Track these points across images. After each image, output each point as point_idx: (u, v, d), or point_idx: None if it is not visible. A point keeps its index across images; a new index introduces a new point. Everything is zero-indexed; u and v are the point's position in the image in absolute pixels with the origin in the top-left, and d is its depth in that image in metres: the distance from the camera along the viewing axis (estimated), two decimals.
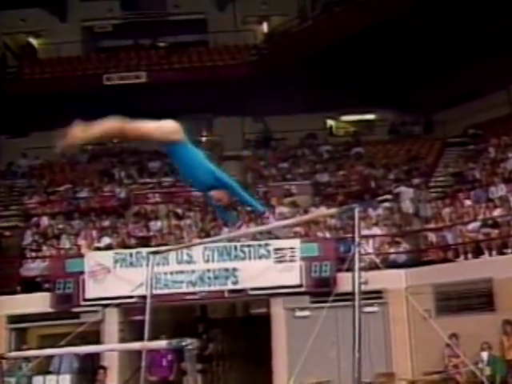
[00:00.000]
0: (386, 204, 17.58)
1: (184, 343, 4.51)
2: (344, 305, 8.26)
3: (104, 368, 12.75)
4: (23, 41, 26.24)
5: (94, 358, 13.87)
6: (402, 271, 14.84)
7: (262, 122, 24.05)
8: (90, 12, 25.37)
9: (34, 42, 26.29)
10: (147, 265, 8.65)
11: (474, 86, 20.96)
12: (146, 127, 5.42)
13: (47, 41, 25.67)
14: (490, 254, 14.38)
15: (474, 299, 14.22)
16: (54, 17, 25.63)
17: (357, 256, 5.97)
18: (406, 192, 17.74)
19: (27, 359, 11.61)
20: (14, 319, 15.06)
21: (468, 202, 16.21)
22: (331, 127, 25.60)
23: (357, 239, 6.00)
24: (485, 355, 13.25)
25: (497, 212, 15.06)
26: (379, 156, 21.30)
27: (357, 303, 5.84)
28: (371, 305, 14.08)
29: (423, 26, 19.62)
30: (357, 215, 6.05)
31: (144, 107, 22.93)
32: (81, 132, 5.14)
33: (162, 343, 5.19)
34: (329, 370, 13.72)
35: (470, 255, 14.72)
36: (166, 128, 5.47)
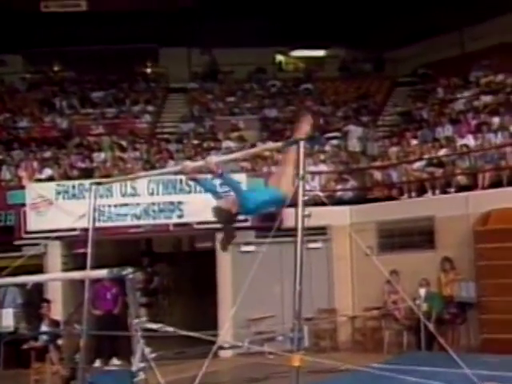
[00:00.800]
0: (334, 141, 17.58)
1: (125, 272, 4.39)
2: (288, 240, 8.20)
3: (48, 301, 12.58)
4: None
5: (38, 292, 13.65)
6: (346, 208, 14.95)
7: (208, 54, 23.53)
8: None
9: None
10: (90, 196, 8.40)
11: (427, 25, 20.84)
12: None
13: None
14: (434, 193, 14.57)
15: (416, 237, 14.47)
16: None
17: (301, 190, 5.85)
18: (355, 130, 17.77)
19: None
20: None
21: (414, 142, 16.34)
22: (281, 62, 25.27)
23: (301, 172, 5.87)
24: (422, 291, 13.55)
25: (442, 152, 15.21)
26: (329, 93, 21.19)
27: (299, 238, 5.77)
28: (315, 241, 14.20)
29: None
30: (302, 149, 5.91)
31: (86, 35, 22.35)
32: None
33: (103, 272, 5.07)
34: (273, 305, 13.85)
35: (413, 194, 14.89)
36: None
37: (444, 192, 14.41)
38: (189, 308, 16.55)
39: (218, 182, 6.24)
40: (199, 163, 6.46)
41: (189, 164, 6.64)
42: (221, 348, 8.04)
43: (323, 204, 12.88)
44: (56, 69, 24.81)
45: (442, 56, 20.50)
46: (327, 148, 17.23)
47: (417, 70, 21.40)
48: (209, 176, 6.09)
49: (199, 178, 6.62)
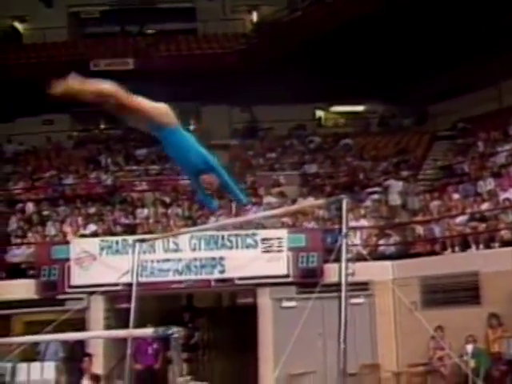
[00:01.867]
0: (375, 196, 17.57)
1: (170, 331, 4.43)
2: (330, 296, 8.19)
3: (89, 355, 12.64)
4: (8, 25, 25.90)
5: (80, 345, 13.74)
6: (388, 263, 14.84)
7: (249, 111, 23.94)
8: None
9: (19, 26, 25.96)
10: (133, 252, 8.54)
11: (466, 80, 20.97)
12: (143, 102, 5.33)
13: (32, 26, 25.38)
14: (477, 248, 14.38)
15: (460, 292, 14.24)
16: (40, 2, 25.31)
17: (344, 246, 5.90)
18: (395, 185, 17.74)
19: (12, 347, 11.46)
20: None
21: (456, 196, 16.21)
22: (320, 118, 25.54)
23: (344, 229, 5.93)
24: (470, 348, 13.25)
25: (485, 206, 15.07)
26: (368, 148, 21.27)
27: (343, 294, 5.78)
28: (358, 296, 14.07)
29: (417, 18, 19.54)
30: (345, 206, 5.99)
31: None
32: (77, 83, 5.06)
33: (148, 331, 5.13)
34: (315, 360, 13.71)
35: (456, 248, 14.71)
36: (163, 109, 5.39)
37: (488, 247, 14.22)
38: (229, 364, 16.42)
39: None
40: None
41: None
42: None
43: (365, 259, 12.94)
44: (102, 127, 25.52)
45: (481, 110, 20.53)
46: (368, 203, 17.21)
47: (456, 124, 21.40)
48: None
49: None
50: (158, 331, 4.52)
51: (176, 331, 4.43)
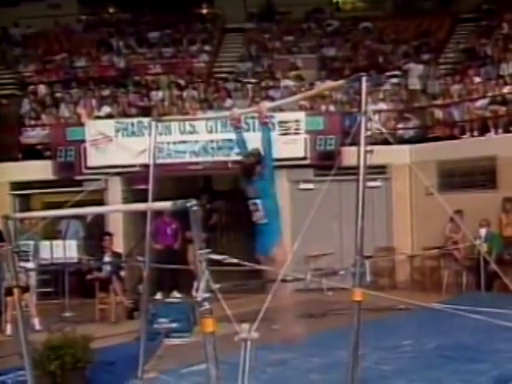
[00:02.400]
0: (394, 80, 17.21)
1: (189, 204, 4.38)
2: (348, 179, 8.12)
3: (110, 234, 12.82)
4: None
5: (99, 225, 13.93)
6: (406, 147, 14.70)
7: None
8: None
9: None
10: (149, 134, 8.44)
11: None
12: None
13: None
14: (496, 132, 14.21)
15: (477, 176, 14.22)
16: None
17: (363, 126, 5.73)
18: (415, 68, 17.33)
19: (34, 224, 11.63)
20: (17, 186, 15.02)
21: (477, 79, 15.84)
22: (338, 1, 24.70)
23: (363, 108, 5.74)
24: (483, 232, 13.37)
25: (506, 89, 14.72)
26: (388, 31, 20.61)
27: (361, 175, 5.66)
28: (375, 179, 14.03)
29: None
30: (364, 85, 5.77)
31: None
32: None
33: (166, 204, 5.08)
34: (331, 242, 13.86)
35: (475, 132, 14.54)
36: None
37: (507, 131, 14.04)
38: (246, 245, 16.57)
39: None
40: (249, 109, 6.59)
41: (236, 111, 7.02)
42: (283, 281, 8.09)
43: (383, 143, 12.79)
44: (111, 11, 24.84)
45: None
46: (387, 86, 16.87)
47: (480, 5, 20.64)
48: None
49: (241, 127, 6.98)
50: (177, 204, 4.46)
51: (195, 203, 4.37)
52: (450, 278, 13.72)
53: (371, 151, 5.86)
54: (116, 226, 13.87)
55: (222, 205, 17.30)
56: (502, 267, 12.49)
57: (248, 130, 14.28)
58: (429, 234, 14.17)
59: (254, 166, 6.57)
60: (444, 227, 13.72)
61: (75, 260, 12.42)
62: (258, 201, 6.64)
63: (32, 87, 18.57)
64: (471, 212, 13.28)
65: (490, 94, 14.85)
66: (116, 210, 12.40)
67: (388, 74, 17.54)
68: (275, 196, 6.63)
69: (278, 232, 6.52)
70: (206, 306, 4.31)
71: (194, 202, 4.54)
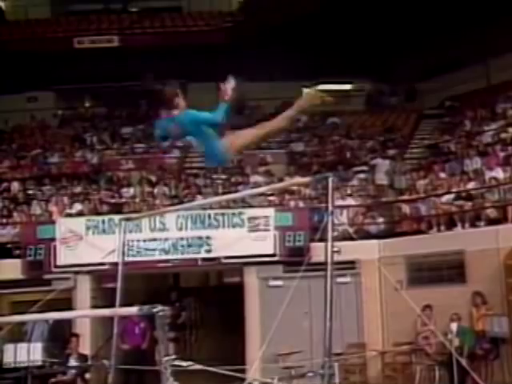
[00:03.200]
0: (361, 175, 17.57)
1: (155, 310, 4.42)
2: (317, 275, 8.21)
3: (76, 335, 12.63)
4: None
5: (66, 326, 13.72)
6: (375, 242, 14.87)
7: (236, 88, 23.75)
8: None
9: (1, 3, 25.56)
10: (119, 231, 8.51)
11: (452, 58, 20.94)
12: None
13: (15, 3, 24.99)
14: (463, 227, 14.43)
15: (446, 271, 14.31)
16: None
17: (330, 225, 5.89)
18: (382, 164, 17.75)
19: None
20: None
21: (443, 175, 16.26)
22: None
23: (330, 208, 5.92)
24: (454, 326, 13.33)
25: (471, 185, 15.10)
26: (355, 126, 21.24)
27: (329, 272, 5.79)
28: (344, 275, 14.11)
29: None
30: (331, 184, 5.99)
31: (117, 71, 22.77)
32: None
33: (132, 309, 5.11)
34: (301, 340, 13.74)
35: (442, 227, 14.76)
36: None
37: (474, 225, 14.26)
38: (216, 343, 16.48)
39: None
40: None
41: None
42: None
43: (352, 238, 12.97)
44: (87, 105, 25.31)
45: (469, 88, 20.50)
46: (354, 182, 17.22)
47: (443, 102, 21.39)
48: None
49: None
50: (143, 309, 4.50)
51: (161, 309, 4.41)
52: (423, 374, 13.57)
53: (338, 251, 5.98)
54: (83, 326, 13.66)
55: (191, 301, 17.21)
56: (475, 362, 12.58)
57: (218, 227, 14.54)
58: (400, 329, 14.12)
59: (174, 97, 5.85)
60: (415, 322, 13.72)
61: (39, 363, 12.16)
62: (187, 137, 5.90)
63: (5, 184, 18.60)
64: (441, 306, 13.34)
65: (455, 190, 15.18)
66: (83, 315, 12.26)
67: (355, 169, 17.91)
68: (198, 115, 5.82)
69: (215, 138, 5.84)
70: None
71: (159, 307, 4.58)
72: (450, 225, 14.67)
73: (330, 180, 5.99)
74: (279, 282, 14.26)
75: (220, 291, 16.47)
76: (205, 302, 16.96)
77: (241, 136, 6.06)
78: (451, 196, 15.06)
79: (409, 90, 23.12)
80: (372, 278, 14.58)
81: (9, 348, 11.99)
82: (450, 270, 14.23)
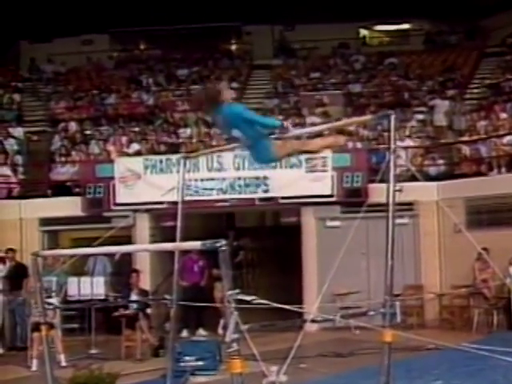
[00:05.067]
0: (420, 116, 17.23)
1: (218, 244, 4.43)
2: (375, 216, 8.14)
3: (137, 271, 12.89)
4: None
5: (127, 262, 14.02)
6: (434, 184, 14.60)
7: (292, 30, 23.44)
8: None
9: None
10: (178, 171, 8.51)
11: None
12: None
13: None
14: None
15: (506, 213, 14.05)
16: None
17: (392, 163, 5.76)
18: (441, 105, 17.34)
19: (62, 261, 11.79)
20: (46, 222, 15.16)
21: (504, 115, 15.78)
22: (364, 37, 24.91)
23: (393, 146, 5.78)
24: None
25: None
26: (414, 67, 20.73)
27: (391, 211, 5.70)
28: (402, 217, 13.91)
29: None
30: (393, 122, 5.83)
31: (172, 13, 22.61)
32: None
33: (196, 244, 5.14)
34: (359, 280, 13.79)
35: (503, 169, 14.46)
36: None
37: None
38: (273, 282, 16.63)
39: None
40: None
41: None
42: (313, 321, 8.05)
43: (411, 179, 12.77)
44: (142, 47, 25.32)
45: None
46: (413, 123, 16.89)
47: (505, 39, 20.64)
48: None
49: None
50: (206, 244, 4.51)
51: (224, 244, 4.43)
52: (481, 318, 13.49)
53: (400, 190, 5.89)
54: (143, 263, 13.94)
55: (248, 242, 17.32)
56: None
57: (275, 167, 14.48)
58: (457, 272, 14.01)
59: (219, 93, 5.94)
60: (473, 265, 13.57)
61: (102, 297, 12.49)
62: (234, 130, 5.93)
63: (63, 124, 18.88)
64: (500, 250, 13.09)
65: None
66: (144, 249, 12.46)
67: (414, 110, 17.55)
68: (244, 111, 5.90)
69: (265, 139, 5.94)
70: (235, 347, 4.34)
71: (223, 242, 4.60)
72: (511, 167, 14.33)
73: (392, 118, 5.84)
74: (337, 223, 14.23)
75: (277, 231, 16.51)
76: (262, 242, 17.06)
77: (288, 144, 6.12)
78: None
79: (469, 28, 22.40)
80: (430, 220, 14.44)
81: (73, 281, 12.33)
82: (509, 213, 13.97)
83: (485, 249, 12.81)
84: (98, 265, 14.54)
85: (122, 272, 14.01)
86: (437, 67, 20.43)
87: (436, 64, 20.78)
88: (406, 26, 24.53)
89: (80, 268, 14.26)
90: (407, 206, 14.00)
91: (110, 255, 14.93)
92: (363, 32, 24.82)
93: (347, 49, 22.92)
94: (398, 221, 13.03)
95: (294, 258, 14.76)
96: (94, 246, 8.15)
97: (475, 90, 19.06)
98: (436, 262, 14.63)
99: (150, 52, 24.69)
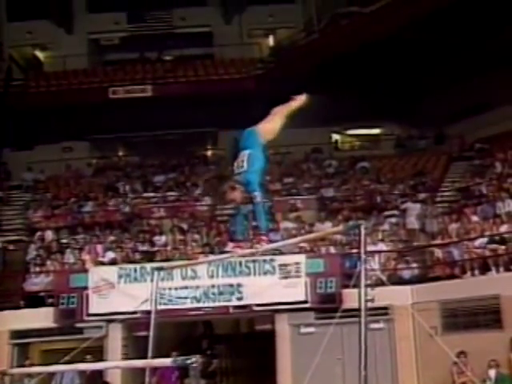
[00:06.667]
0: (392, 219, 17.46)
1: (189, 361, 4.42)
2: (350, 321, 8.16)
3: None
4: (29, 54, 26.36)
5: (98, 374, 13.73)
6: (408, 287, 14.70)
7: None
8: (96, 25, 25.55)
9: (40, 54, 26.41)
10: (152, 280, 8.57)
11: (483, 99, 20.91)
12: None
13: (53, 53, 25.81)
14: (497, 271, 14.23)
15: (481, 316, 14.06)
16: (61, 29, 25.80)
17: (363, 273, 5.88)
18: (413, 208, 17.62)
19: (30, 375, 11.53)
20: (17, 334, 14.97)
21: (475, 218, 16.06)
22: (336, 141, 25.57)
23: (363, 256, 5.92)
24: (492, 373, 13.09)
25: (504, 228, 14.91)
26: (385, 170, 21.20)
27: (363, 320, 5.76)
28: (377, 321, 13.94)
29: (431, 39, 19.56)
30: (363, 232, 5.99)
31: (150, 121, 23.20)
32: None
33: (166, 361, 5.11)
34: None
35: (476, 271, 14.56)
36: None
37: (508, 269, 14.05)
38: None
39: None
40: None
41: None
42: None
43: (384, 284, 12.83)
44: (120, 154, 25.77)
45: (498, 130, 20.38)
46: (386, 226, 17.10)
47: (473, 144, 21.28)
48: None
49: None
50: (177, 361, 4.51)
51: (195, 360, 4.42)
52: None
53: (372, 300, 5.96)
54: (115, 374, 13.71)
55: (223, 349, 17.10)
56: None
57: (249, 274, 14.53)
58: (435, 376, 13.84)
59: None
60: (450, 369, 13.43)
61: None
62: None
63: (39, 233, 18.87)
64: (478, 353, 13.08)
65: (488, 233, 14.99)
66: (115, 366, 12.28)
67: (386, 213, 17.82)
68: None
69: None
70: None
71: (193, 358, 4.59)
72: (484, 269, 14.46)
73: (363, 228, 6.00)
74: (311, 329, 14.16)
75: (251, 338, 16.35)
76: (236, 349, 16.83)
77: (269, 122, 7.28)
78: (484, 240, 14.86)
79: (438, 133, 23.11)
80: (405, 324, 14.38)
81: None
82: (485, 316, 13.99)
83: (462, 352, 12.84)
84: (66, 377, 14.18)
85: None
86: (408, 171, 20.92)
87: (407, 168, 21.29)
88: (377, 131, 25.24)
89: (48, 380, 13.93)
90: (382, 311, 14.04)
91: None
92: (335, 137, 25.47)
93: (320, 153, 23.44)
94: (373, 325, 13.25)
95: (268, 365, 14.56)
96: (66, 359, 8.04)
97: (446, 194, 19.44)
98: (413, 367, 14.46)
99: (127, 158, 25.11)
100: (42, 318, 14.74)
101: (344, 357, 13.65)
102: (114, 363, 12.62)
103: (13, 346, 14.99)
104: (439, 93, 21.59)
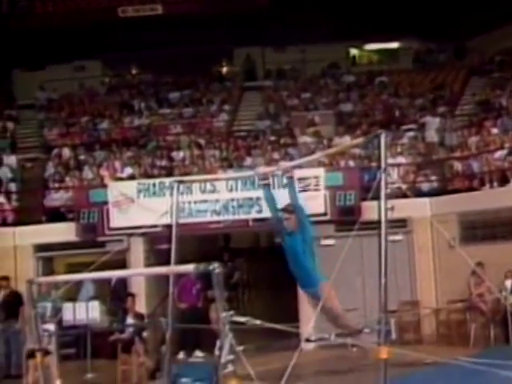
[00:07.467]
0: (411, 133, 17.34)
1: (211, 267, 4.46)
2: (369, 233, 8.15)
3: (132, 295, 12.86)
4: None
5: (122, 286, 13.97)
6: (426, 199, 14.72)
7: (282, 52, 23.70)
8: None
9: None
10: (171, 194, 8.55)
11: (502, 11, 20.31)
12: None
13: None
14: None
15: (499, 228, 14.11)
16: None
17: (383, 182, 5.82)
18: (432, 122, 17.47)
19: (57, 287, 11.75)
20: (40, 248, 15.16)
21: (495, 131, 15.93)
22: (354, 56, 25.14)
23: (383, 165, 5.84)
24: (509, 283, 13.22)
25: None
26: (404, 85, 20.90)
27: (383, 229, 5.73)
28: (396, 233, 13.96)
29: None
30: (383, 141, 5.89)
31: (162, 38, 22.85)
32: None
33: (189, 267, 5.16)
34: (354, 298, 13.73)
35: (495, 183, 14.53)
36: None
37: None
38: (268, 302, 16.59)
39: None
40: (271, 168, 6.93)
41: (260, 169, 7.66)
42: (307, 341, 8.06)
43: (403, 196, 12.82)
44: (134, 72, 25.50)
45: None
46: (404, 140, 17.00)
47: (494, 57, 20.87)
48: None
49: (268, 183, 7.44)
50: (199, 267, 4.53)
51: (217, 267, 4.45)
52: (477, 332, 13.48)
53: (392, 208, 5.93)
54: (139, 286, 13.93)
55: (243, 262, 17.33)
56: None
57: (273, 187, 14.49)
58: (453, 287, 14.02)
59: (290, 220, 6.89)
60: (468, 280, 13.58)
61: (98, 321, 12.44)
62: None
63: (56, 150, 18.92)
64: (495, 264, 13.16)
65: (507, 145, 14.89)
66: (139, 273, 12.45)
67: (405, 127, 17.67)
68: (312, 241, 7.21)
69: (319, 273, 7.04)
70: (230, 368, 4.34)
71: (216, 264, 4.62)
72: (503, 181, 14.42)
73: (383, 137, 5.90)
74: (331, 241, 14.23)
75: (271, 251, 16.52)
76: (256, 262, 17.07)
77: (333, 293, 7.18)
78: (504, 152, 14.77)
79: (457, 46, 22.64)
80: (424, 235, 14.48)
81: (68, 307, 12.30)
82: (503, 227, 14.04)
83: (479, 263, 12.91)
84: (83, 288, 14.42)
85: (118, 296, 13.95)
86: (426, 85, 20.63)
87: (426, 82, 20.98)
88: (395, 45, 24.75)
89: (75, 293, 14.21)
90: (401, 223, 14.07)
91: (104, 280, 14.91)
92: (353, 51, 25.05)
93: (337, 69, 23.10)
94: (392, 238, 13.17)
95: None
96: (88, 271, 8.15)
97: (465, 107, 19.23)
98: (431, 278, 14.64)
99: (141, 76, 24.86)
100: (63, 232, 14.88)
101: (363, 268, 13.79)
102: (138, 270, 12.82)
103: (37, 260, 15.22)
104: (458, 6, 21.01)
